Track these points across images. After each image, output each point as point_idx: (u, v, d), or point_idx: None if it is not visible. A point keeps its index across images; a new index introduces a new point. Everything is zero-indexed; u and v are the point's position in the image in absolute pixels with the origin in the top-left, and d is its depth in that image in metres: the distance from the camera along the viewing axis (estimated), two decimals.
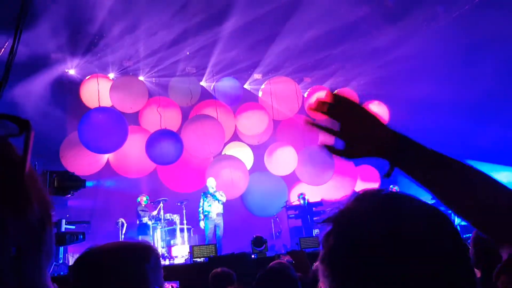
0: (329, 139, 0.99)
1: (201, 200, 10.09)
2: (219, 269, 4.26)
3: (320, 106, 0.98)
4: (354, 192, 0.83)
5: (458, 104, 12.29)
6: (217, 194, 10.04)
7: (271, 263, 3.67)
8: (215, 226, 9.93)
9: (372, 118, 0.98)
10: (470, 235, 3.27)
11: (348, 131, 0.97)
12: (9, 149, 0.48)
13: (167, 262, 8.89)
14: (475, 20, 10.98)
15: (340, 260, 0.73)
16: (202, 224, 9.97)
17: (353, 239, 0.73)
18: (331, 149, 0.99)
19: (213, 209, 9.94)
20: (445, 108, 12.60)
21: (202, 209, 9.98)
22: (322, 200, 12.36)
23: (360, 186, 13.55)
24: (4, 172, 0.45)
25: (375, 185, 13.53)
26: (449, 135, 11.66)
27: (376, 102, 13.87)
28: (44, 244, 0.49)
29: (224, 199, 10.12)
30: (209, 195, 10.06)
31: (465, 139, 12.21)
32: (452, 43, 11.40)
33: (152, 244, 1.38)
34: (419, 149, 0.96)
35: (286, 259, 7.09)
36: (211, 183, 10.19)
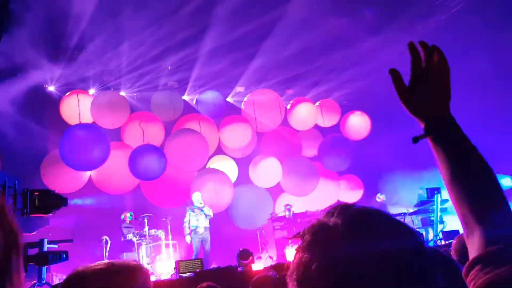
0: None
1: (187, 214, 10.02)
2: (204, 284, 4.21)
3: (430, 47, 1.06)
4: (330, 206, 0.84)
5: None
6: (205, 208, 10.00)
7: (255, 277, 3.65)
8: (202, 240, 9.87)
9: (448, 88, 1.05)
10: (452, 241, 3.32)
11: (429, 75, 1.03)
12: None
13: (153, 279, 8.78)
14: (452, 29, 11.23)
15: (305, 277, 0.73)
16: (188, 238, 9.89)
17: (320, 256, 0.72)
18: (395, 76, 1.06)
19: (200, 223, 9.89)
20: None
21: (189, 223, 9.91)
22: (306, 211, 12.39)
23: (344, 195, 13.65)
24: None
25: (359, 193, 13.63)
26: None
27: (358, 112, 14.05)
28: (8, 275, 0.48)
29: (211, 214, 10.11)
30: (196, 209, 10.00)
31: None
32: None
33: (140, 262, 1.37)
34: (459, 134, 1.01)
35: (271, 272, 7.07)
36: (197, 197, 10.14)
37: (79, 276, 1.24)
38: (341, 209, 0.79)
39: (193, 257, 9.53)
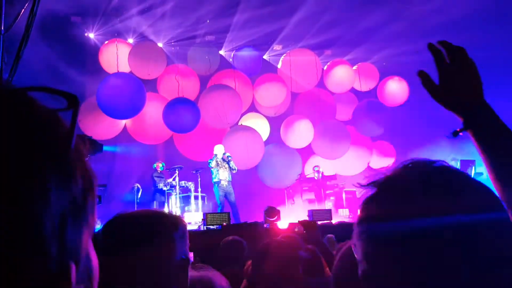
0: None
1: (213, 162, 9.96)
2: (230, 237, 4.33)
3: (447, 44, 1.08)
4: (403, 161, 0.80)
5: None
6: (231, 163, 10.02)
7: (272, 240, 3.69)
8: (226, 193, 9.99)
9: (477, 79, 1.05)
10: None
11: (455, 70, 1.05)
12: (58, 122, 0.49)
13: None
14: None
15: (379, 226, 0.72)
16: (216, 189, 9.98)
17: (397, 208, 0.71)
18: (425, 78, 1.08)
19: (222, 176, 9.95)
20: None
21: (220, 175, 9.92)
22: (336, 174, 12.37)
23: (376, 161, 13.51)
24: (51, 145, 0.47)
25: (390, 160, 13.46)
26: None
27: (396, 78, 13.65)
28: (85, 216, 0.51)
29: (236, 168, 10.11)
30: (221, 161, 9.97)
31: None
32: (479, 10, 10.90)
33: (179, 215, 1.39)
34: (499, 121, 0.99)
35: (297, 228, 7.18)
36: (221, 150, 10.08)
37: (121, 221, 1.26)
38: (421, 164, 0.77)
39: (218, 210, 9.72)
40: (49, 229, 0.44)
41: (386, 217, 0.72)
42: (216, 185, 9.97)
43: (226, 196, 10.01)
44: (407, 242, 0.68)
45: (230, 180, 10.10)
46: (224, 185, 9.95)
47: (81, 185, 0.49)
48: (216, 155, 10.02)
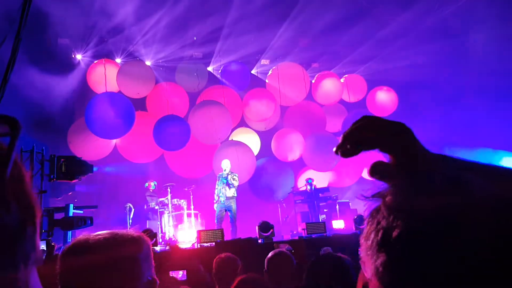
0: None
1: (217, 182, 9.98)
2: (223, 255, 4.26)
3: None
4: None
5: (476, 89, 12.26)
6: (229, 177, 9.88)
7: (270, 253, 3.66)
8: (225, 209, 9.84)
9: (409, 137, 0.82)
10: None
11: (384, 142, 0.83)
12: None
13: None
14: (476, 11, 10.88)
15: (387, 239, 0.66)
16: (215, 206, 9.89)
17: (405, 219, 0.65)
18: (381, 171, 0.84)
19: (221, 193, 9.84)
20: (452, 91, 12.52)
21: (218, 191, 9.87)
22: (329, 186, 12.37)
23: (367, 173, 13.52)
24: None
25: None
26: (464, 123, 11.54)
27: (385, 88, 13.78)
28: (21, 246, 0.48)
29: (236, 183, 9.87)
30: (221, 178, 9.91)
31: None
32: (462, 24, 11.15)
33: (143, 234, 1.32)
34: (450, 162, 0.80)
35: (286, 247, 7.14)
36: (224, 165, 10.01)
37: (82, 245, 1.19)
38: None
39: (216, 226, 9.61)
40: None
41: (394, 230, 0.65)
42: (216, 202, 9.89)
43: (226, 211, 9.85)
44: (417, 257, 0.61)
45: (232, 196, 9.84)
46: (222, 201, 9.82)
47: (16, 214, 0.47)
48: (219, 178, 9.99)
